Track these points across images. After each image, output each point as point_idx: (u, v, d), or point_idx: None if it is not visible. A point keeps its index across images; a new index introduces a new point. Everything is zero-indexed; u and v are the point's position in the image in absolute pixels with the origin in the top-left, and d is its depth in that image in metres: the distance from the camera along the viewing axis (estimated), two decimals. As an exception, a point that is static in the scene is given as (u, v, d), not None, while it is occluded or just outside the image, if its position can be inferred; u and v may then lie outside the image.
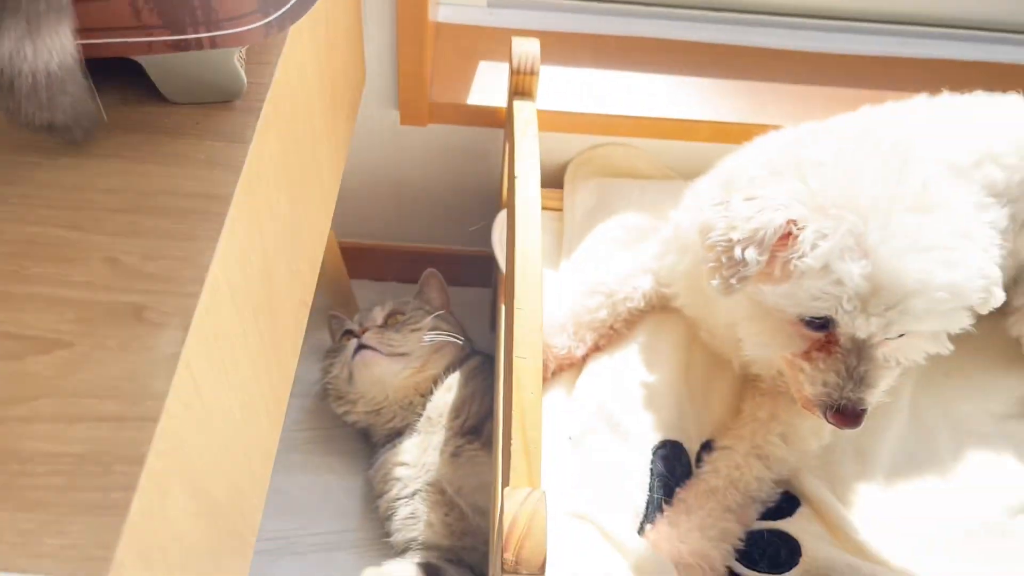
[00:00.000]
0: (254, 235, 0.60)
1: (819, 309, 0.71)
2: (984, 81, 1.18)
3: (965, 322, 0.74)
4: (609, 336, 0.99)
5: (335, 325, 1.22)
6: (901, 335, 0.74)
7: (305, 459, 1.18)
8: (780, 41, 1.20)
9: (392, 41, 1.05)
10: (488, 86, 1.10)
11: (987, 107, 0.97)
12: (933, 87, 1.03)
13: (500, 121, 1.09)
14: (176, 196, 0.55)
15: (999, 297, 0.74)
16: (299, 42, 0.69)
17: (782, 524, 0.87)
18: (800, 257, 0.70)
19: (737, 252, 0.71)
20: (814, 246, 0.69)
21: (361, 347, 1.09)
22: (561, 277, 1.08)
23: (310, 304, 0.81)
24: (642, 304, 0.99)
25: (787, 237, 0.71)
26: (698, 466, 0.90)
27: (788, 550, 0.85)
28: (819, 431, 0.90)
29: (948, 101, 0.98)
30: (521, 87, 0.97)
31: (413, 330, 1.12)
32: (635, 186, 1.12)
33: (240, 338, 0.58)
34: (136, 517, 0.43)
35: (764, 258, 0.70)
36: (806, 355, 0.76)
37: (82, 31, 0.50)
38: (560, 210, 1.14)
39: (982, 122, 0.94)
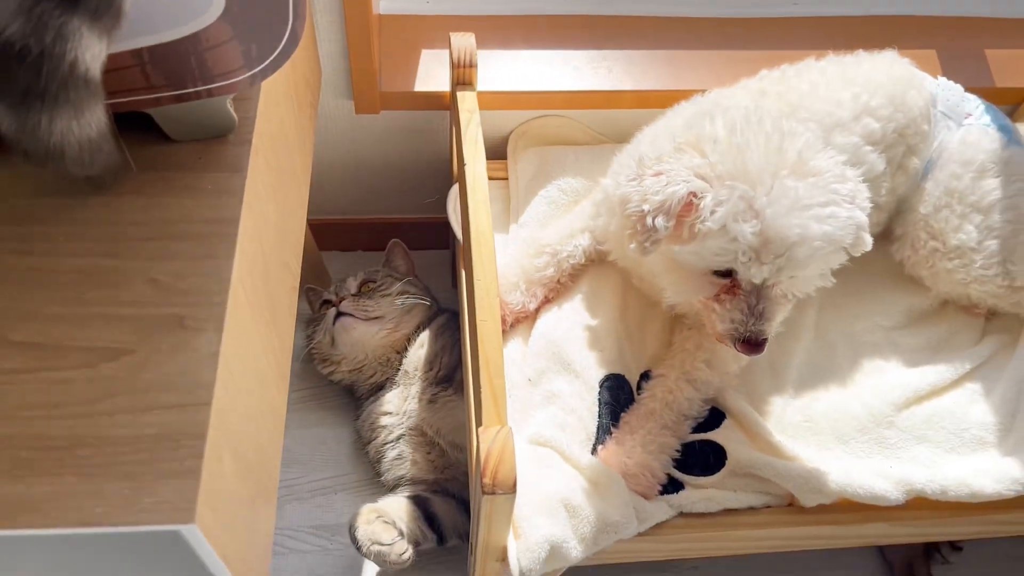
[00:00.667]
0: (256, 245, 0.73)
1: (721, 263, 0.87)
2: (875, 34, 1.34)
3: (841, 260, 0.91)
4: (557, 289, 1.14)
5: (312, 296, 1.35)
6: (792, 277, 0.90)
7: (299, 416, 1.32)
8: (692, 10, 1.32)
9: (342, 38, 1.16)
10: (431, 73, 1.22)
11: (865, 65, 1.11)
12: (828, 44, 1.17)
13: (445, 104, 1.21)
14: (194, 223, 0.68)
15: (867, 242, 0.90)
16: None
17: (711, 435, 1.04)
18: (702, 221, 0.85)
19: (649, 221, 0.86)
20: (713, 211, 0.85)
21: (340, 314, 1.23)
22: (511, 239, 1.22)
23: (298, 288, 0.94)
24: (583, 259, 1.14)
25: (690, 206, 0.86)
26: (638, 393, 1.06)
27: (716, 456, 1.02)
28: (738, 356, 1.06)
29: (831, 61, 1.12)
30: (462, 78, 1.10)
31: (384, 295, 1.26)
32: (570, 152, 1.26)
33: (254, 330, 0.72)
34: (205, 477, 0.57)
35: (671, 224, 0.85)
36: (716, 298, 0.92)
37: (106, 95, 0.62)
38: (506, 179, 1.27)
39: (860, 80, 1.08)
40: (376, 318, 1.23)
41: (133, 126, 0.71)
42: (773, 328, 0.91)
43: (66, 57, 0.54)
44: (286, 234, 0.88)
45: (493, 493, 0.78)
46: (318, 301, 1.31)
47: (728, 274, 0.89)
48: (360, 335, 1.23)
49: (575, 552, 0.91)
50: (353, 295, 1.26)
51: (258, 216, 0.74)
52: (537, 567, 0.89)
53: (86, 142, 0.60)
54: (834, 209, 0.85)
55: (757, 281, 0.87)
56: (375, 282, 1.28)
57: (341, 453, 1.30)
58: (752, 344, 0.91)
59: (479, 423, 0.84)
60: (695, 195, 0.84)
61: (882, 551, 1.27)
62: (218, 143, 0.72)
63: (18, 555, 0.58)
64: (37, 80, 0.54)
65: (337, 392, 1.35)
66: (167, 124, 0.70)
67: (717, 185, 0.85)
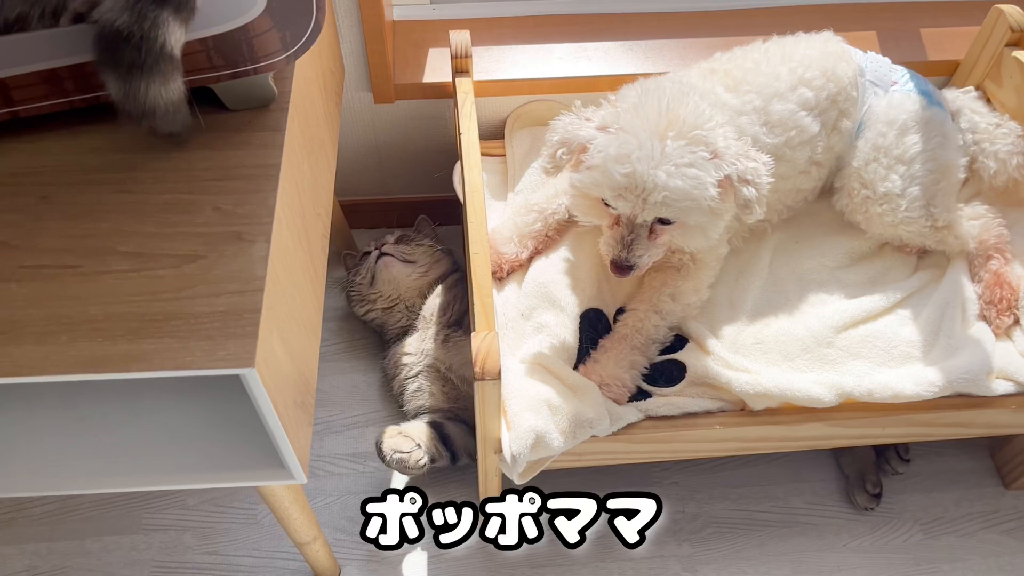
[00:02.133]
0: (293, 188, 0.96)
1: (597, 192, 1.09)
2: (823, 20, 1.53)
3: (704, 220, 1.09)
4: (545, 242, 1.35)
5: (348, 261, 1.60)
6: (665, 223, 1.10)
7: (335, 365, 1.55)
8: (660, 6, 1.54)
9: (361, 39, 1.39)
10: (437, 67, 1.45)
11: (802, 44, 1.31)
12: (781, 30, 1.36)
13: (448, 93, 1.44)
14: (246, 167, 0.90)
15: (758, 213, 1.09)
16: (303, 59, 1.04)
17: (675, 356, 1.24)
18: (590, 156, 1.07)
19: (556, 151, 1.10)
20: (598, 151, 1.06)
21: (382, 255, 1.48)
22: (508, 204, 1.43)
23: (328, 237, 1.17)
24: (566, 215, 1.34)
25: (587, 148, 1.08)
26: (614, 325, 1.27)
27: (678, 371, 1.22)
28: (697, 289, 1.26)
29: (774, 42, 1.32)
30: (460, 67, 1.33)
31: (419, 244, 1.52)
32: (557, 130, 1.48)
33: (293, 250, 0.94)
34: (260, 342, 0.79)
35: (569, 157, 1.10)
36: (609, 227, 1.14)
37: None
38: (503, 155, 1.49)
39: (797, 57, 1.28)
40: (411, 261, 1.49)
41: (201, 100, 0.94)
42: (638, 260, 1.12)
43: (158, 39, 0.77)
44: (318, 190, 1.10)
45: (483, 379, 0.99)
46: (355, 260, 1.55)
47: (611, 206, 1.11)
48: (397, 272, 1.48)
49: (556, 442, 1.12)
50: (393, 243, 1.51)
51: (294, 167, 0.96)
52: (525, 452, 1.10)
53: (171, 104, 0.83)
54: (695, 171, 1.05)
55: (624, 213, 1.09)
56: (410, 237, 1.53)
57: (371, 395, 1.51)
58: (619, 267, 1.14)
59: (473, 329, 1.05)
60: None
61: (839, 465, 1.44)
62: (263, 111, 0.95)
63: (133, 399, 0.80)
64: (138, 56, 0.77)
65: (367, 345, 1.57)
66: (225, 96, 0.93)
67: (611, 132, 1.06)
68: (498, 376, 1.00)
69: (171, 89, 0.81)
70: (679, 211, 1.07)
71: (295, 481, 0.96)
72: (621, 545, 1.21)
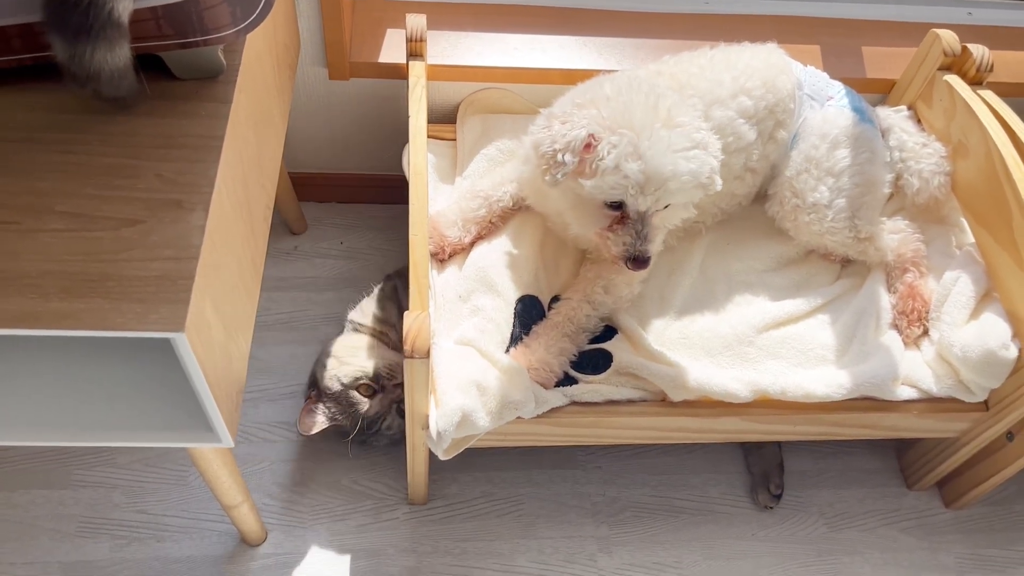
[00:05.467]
0: (236, 159, 0.98)
1: (615, 195, 1.11)
2: (770, 31, 1.59)
3: (700, 195, 1.15)
4: (489, 228, 1.39)
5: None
6: (666, 207, 1.14)
7: (275, 335, 1.57)
8: (614, 4, 1.57)
9: (318, 15, 1.41)
10: (394, 48, 1.47)
11: (747, 53, 1.36)
12: (729, 37, 1.41)
13: (404, 75, 1.46)
14: (191, 137, 0.92)
15: (719, 183, 1.15)
16: (255, 32, 1.05)
17: (603, 345, 1.29)
18: (601, 160, 1.10)
19: (559, 157, 1.10)
20: (609, 152, 1.09)
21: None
22: (456, 188, 1.46)
23: (272, 208, 1.19)
24: (511, 204, 1.38)
25: (589, 147, 1.10)
26: (548, 312, 1.31)
27: (604, 360, 1.27)
28: (630, 283, 1.30)
29: (720, 50, 1.37)
30: (414, 51, 1.35)
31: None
32: (508, 119, 1.51)
33: (233, 221, 0.97)
34: (192, 308, 0.81)
35: (576, 159, 1.10)
36: (610, 228, 1.17)
37: (130, 39, 0.87)
38: (454, 140, 1.52)
39: (740, 65, 1.33)
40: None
41: (149, 67, 0.95)
42: (655, 248, 1.16)
43: (106, 5, 0.78)
44: (263, 161, 1.12)
45: (412, 357, 1.03)
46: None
47: (619, 207, 1.13)
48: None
49: (482, 422, 1.16)
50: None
51: (239, 139, 0.98)
52: (450, 429, 1.14)
53: (116, 70, 0.84)
54: (696, 152, 1.10)
55: (642, 209, 1.12)
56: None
57: (308, 365, 1.53)
58: (639, 261, 1.15)
59: (408, 309, 1.09)
60: (593, 137, 1.09)
61: (747, 463, 1.51)
62: (211, 81, 0.97)
63: (61, 355, 0.82)
64: (85, 21, 0.79)
65: (307, 316, 1.60)
66: (173, 65, 0.95)
67: (609, 133, 1.09)
68: (427, 355, 1.03)
69: (117, 55, 0.83)
70: (686, 194, 1.11)
71: (222, 444, 0.98)
72: (540, 523, 1.26)
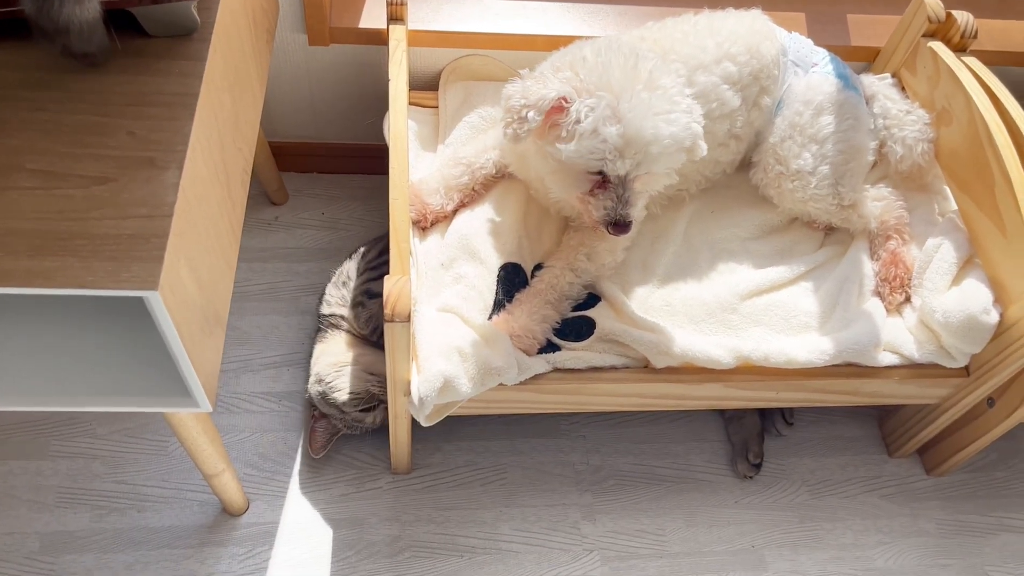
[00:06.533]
0: (211, 119, 0.96)
1: (594, 160, 1.10)
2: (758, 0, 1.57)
3: (682, 160, 1.14)
4: (471, 196, 1.37)
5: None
6: (647, 172, 1.13)
7: (256, 305, 1.55)
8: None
9: (298, -22, 1.39)
10: (375, 14, 1.44)
11: (731, 20, 1.35)
12: (712, 4, 1.39)
13: (385, 40, 1.44)
14: (164, 95, 0.90)
15: (703, 149, 1.14)
16: (230, -8, 1.03)
17: (585, 312, 1.28)
18: (577, 123, 1.08)
19: (524, 113, 1.09)
20: (586, 115, 1.08)
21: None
22: (438, 156, 1.45)
23: (250, 173, 1.17)
24: (493, 171, 1.37)
25: (560, 109, 1.09)
26: (531, 280, 1.30)
27: (587, 326, 1.26)
28: (613, 250, 1.29)
29: (704, 15, 1.35)
30: (395, 14, 1.33)
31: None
32: (491, 86, 1.49)
33: (209, 182, 0.95)
34: (166, 267, 0.80)
35: (540, 118, 1.08)
36: (591, 192, 1.15)
37: (100, -5, 0.85)
38: (436, 107, 1.50)
39: (724, 31, 1.32)
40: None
41: (122, 24, 0.93)
42: (636, 212, 1.15)
43: (75, -44, 0.76)
44: (240, 124, 1.10)
45: (393, 321, 1.02)
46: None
47: (599, 172, 1.12)
48: None
49: (464, 387, 1.15)
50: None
51: (214, 98, 0.97)
52: (432, 395, 1.13)
53: (85, 23, 0.82)
54: (677, 115, 1.09)
55: (622, 174, 1.10)
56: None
57: (290, 336, 1.53)
58: (620, 226, 1.14)
59: (388, 273, 1.07)
60: (565, 100, 1.08)
61: (727, 433, 1.51)
62: (185, 39, 0.95)
63: (35, 321, 0.81)
64: (53, -28, 0.77)
65: (289, 287, 1.58)
66: (146, 22, 0.93)
67: (586, 95, 1.08)
68: (407, 319, 1.02)
69: (86, 8, 0.81)
70: (668, 158, 1.10)
71: (200, 409, 0.97)
72: (524, 492, 1.26)
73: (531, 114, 1.07)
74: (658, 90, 1.09)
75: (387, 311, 1.02)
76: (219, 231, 1.00)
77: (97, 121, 0.88)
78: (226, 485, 1.26)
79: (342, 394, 1.32)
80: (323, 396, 1.33)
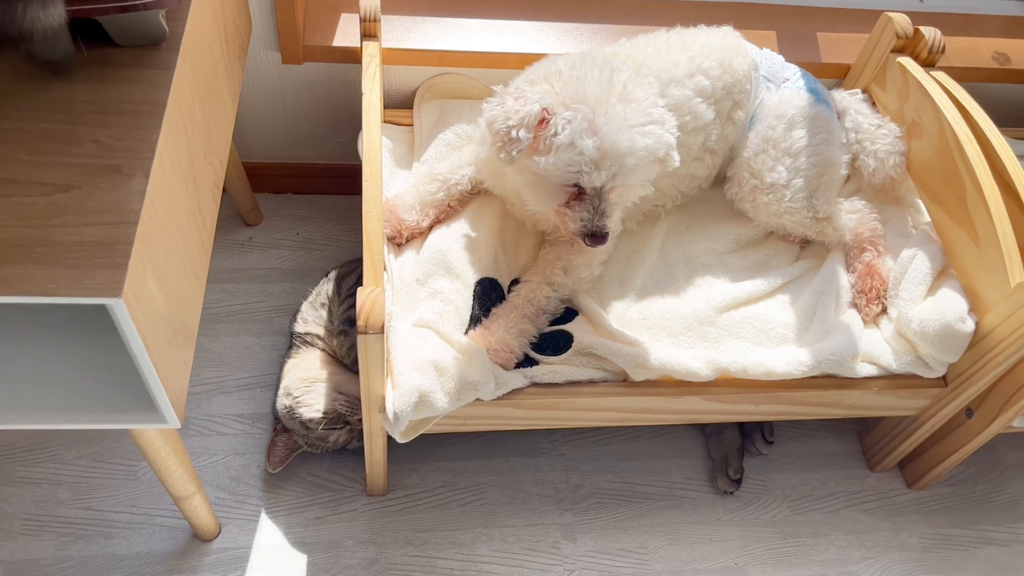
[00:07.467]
0: (180, 129, 0.95)
1: (570, 173, 1.10)
2: (729, 16, 1.59)
3: (656, 172, 1.14)
4: (447, 212, 1.36)
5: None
6: (623, 184, 1.13)
7: (229, 327, 1.53)
8: (572, -11, 1.57)
9: (271, -2, 1.38)
10: (349, 32, 1.44)
11: (703, 35, 1.36)
12: (686, 22, 1.40)
13: (358, 58, 1.44)
14: (131, 103, 0.89)
15: (676, 159, 1.14)
16: (202, 6, 1.03)
17: (563, 327, 1.27)
18: (555, 136, 1.08)
19: (513, 133, 1.08)
20: (563, 128, 1.07)
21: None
22: (413, 173, 1.44)
23: (221, 188, 1.16)
24: (469, 187, 1.36)
25: (543, 122, 1.09)
26: (508, 295, 1.29)
27: (565, 340, 1.25)
28: (590, 264, 1.29)
29: (676, 32, 1.36)
30: (368, 31, 1.33)
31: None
32: (465, 104, 1.49)
33: (177, 193, 0.93)
34: (131, 275, 0.78)
35: (530, 135, 1.08)
36: (567, 204, 1.15)
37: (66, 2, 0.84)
38: (411, 125, 1.50)
39: (696, 46, 1.33)
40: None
41: (89, 33, 0.92)
42: (612, 224, 1.14)
43: (38, -40, 0.75)
44: (211, 138, 1.09)
45: (366, 333, 1.00)
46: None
47: (575, 184, 1.12)
48: None
49: (441, 403, 1.13)
50: None
51: (183, 109, 0.95)
52: (408, 410, 1.11)
53: (50, 29, 0.81)
54: (652, 127, 1.09)
55: (598, 185, 1.10)
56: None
57: (263, 357, 1.50)
58: (597, 237, 1.13)
59: (362, 285, 1.06)
60: (547, 111, 1.07)
61: (707, 449, 1.50)
62: (153, 49, 0.94)
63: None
64: (16, -24, 0.76)
65: (262, 308, 1.56)
66: (113, 31, 0.92)
67: (563, 108, 1.08)
68: (381, 330, 1.01)
69: (50, 14, 0.80)
70: (644, 170, 1.09)
71: (167, 425, 0.95)
72: (503, 512, 1.24)
73: (521, 133, 1.06)
74: (632, 103, 1.10)
75: (360, 323, 1.00)
76: (188, 243, 0.98)
77: (62, 129, 0.86)
78: (196, 508, 1.22)
79: (309, 410, 1.29)
80: (289, 411, 1.30)
